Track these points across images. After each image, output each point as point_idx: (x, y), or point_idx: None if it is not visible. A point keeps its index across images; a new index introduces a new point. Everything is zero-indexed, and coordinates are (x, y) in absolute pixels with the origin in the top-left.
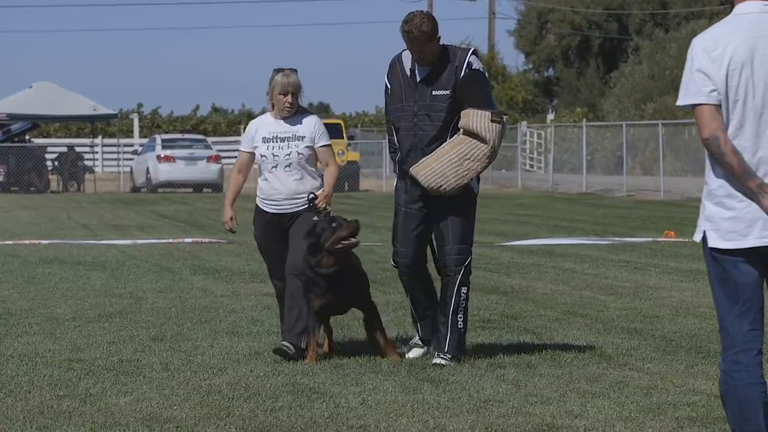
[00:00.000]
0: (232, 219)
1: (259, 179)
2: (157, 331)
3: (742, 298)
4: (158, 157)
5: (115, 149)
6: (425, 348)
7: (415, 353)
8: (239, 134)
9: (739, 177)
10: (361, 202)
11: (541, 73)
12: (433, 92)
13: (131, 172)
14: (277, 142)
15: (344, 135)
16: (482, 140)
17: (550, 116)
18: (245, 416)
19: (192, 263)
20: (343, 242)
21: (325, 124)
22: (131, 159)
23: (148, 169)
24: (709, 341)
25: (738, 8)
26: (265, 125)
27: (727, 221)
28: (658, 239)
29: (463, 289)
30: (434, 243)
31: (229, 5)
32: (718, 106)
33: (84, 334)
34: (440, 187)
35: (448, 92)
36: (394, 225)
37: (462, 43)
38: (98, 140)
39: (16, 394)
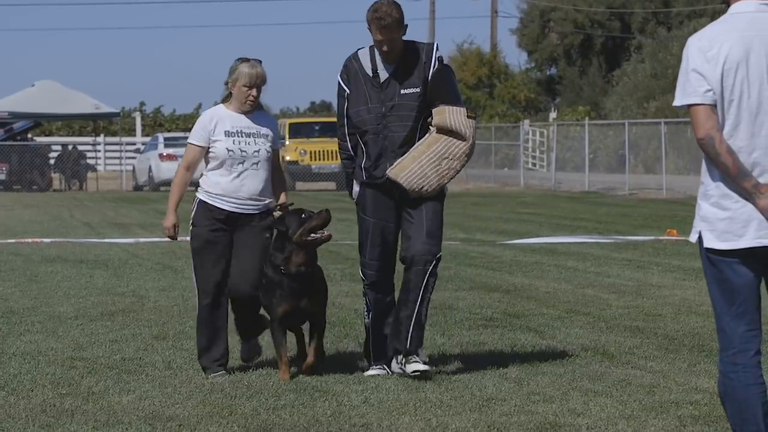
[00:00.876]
0: (175, 226)
1: (212, 174)
2: (160, 330)
3: (738, 300)
4: (160, 156)
5: (117, 148)
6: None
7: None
8: None
9: (735, 177)
10: None
11: (543, 71)
12: (402, 91)
13: (133, 170)
14: (242, 137)
15: None
16: (460, 137)
17: (553, 115)
18: (248, 414)
19: None
20: (313, 234)
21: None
22: (133, 157)
23: (150, 167)
24: (712, 340)
25: (734, 7)
26: (226, 118)
27: (722, 221)
28: (661, 237)
29: (431, 280)
30: (407, 234)
31: (231, 4)
32: (714, 106)
33: (86, 333)
34: (422, 188)
35: (418, 90)
36: (360, 236)
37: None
38: (100, 139)
39: (19, 393)
